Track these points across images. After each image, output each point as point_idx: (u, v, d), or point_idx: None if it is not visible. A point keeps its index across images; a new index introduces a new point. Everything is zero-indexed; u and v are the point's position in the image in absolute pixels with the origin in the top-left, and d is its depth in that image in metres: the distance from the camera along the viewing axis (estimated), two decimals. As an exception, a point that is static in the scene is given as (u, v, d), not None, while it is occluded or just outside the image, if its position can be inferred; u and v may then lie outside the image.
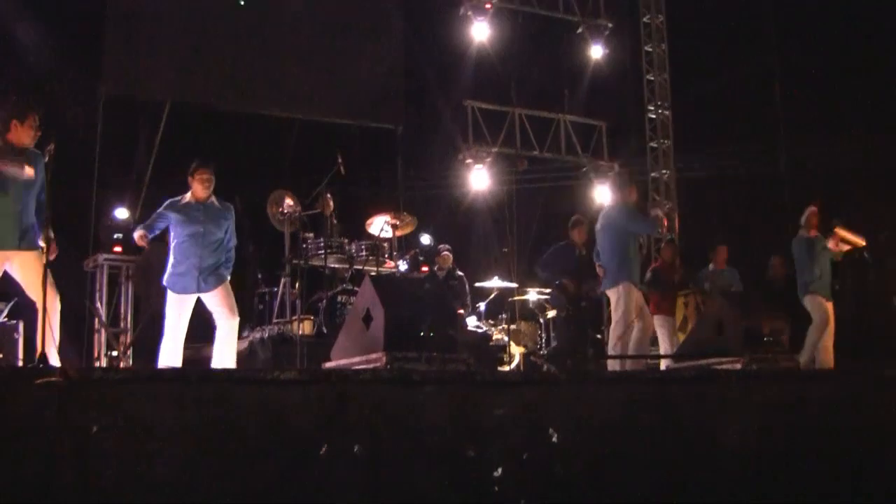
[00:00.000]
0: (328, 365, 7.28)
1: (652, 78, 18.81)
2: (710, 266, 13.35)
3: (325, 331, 11.02)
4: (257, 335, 11.09)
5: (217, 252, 8.64)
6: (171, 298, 8.55)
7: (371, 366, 6.54)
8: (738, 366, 8.08)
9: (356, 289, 10.48)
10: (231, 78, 15.13)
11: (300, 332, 10.63)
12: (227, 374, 5.10)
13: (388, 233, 11.74)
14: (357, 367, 6.63)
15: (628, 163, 18.69)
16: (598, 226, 10.76)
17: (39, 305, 7.44)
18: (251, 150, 15.76)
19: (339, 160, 11.61)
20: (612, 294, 10.28)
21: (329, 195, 12.02)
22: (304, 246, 11.38)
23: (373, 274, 10.97)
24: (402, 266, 11.84)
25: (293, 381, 5.10)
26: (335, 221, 12.17)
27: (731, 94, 18.88)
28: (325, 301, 11.28)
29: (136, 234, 8.47)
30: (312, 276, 11.51)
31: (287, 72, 15.64)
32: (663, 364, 10.40)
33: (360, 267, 11.61)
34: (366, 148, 16.69)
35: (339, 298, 11.42)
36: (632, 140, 18.93)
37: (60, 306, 7.36)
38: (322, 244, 11.41)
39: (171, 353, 8.41)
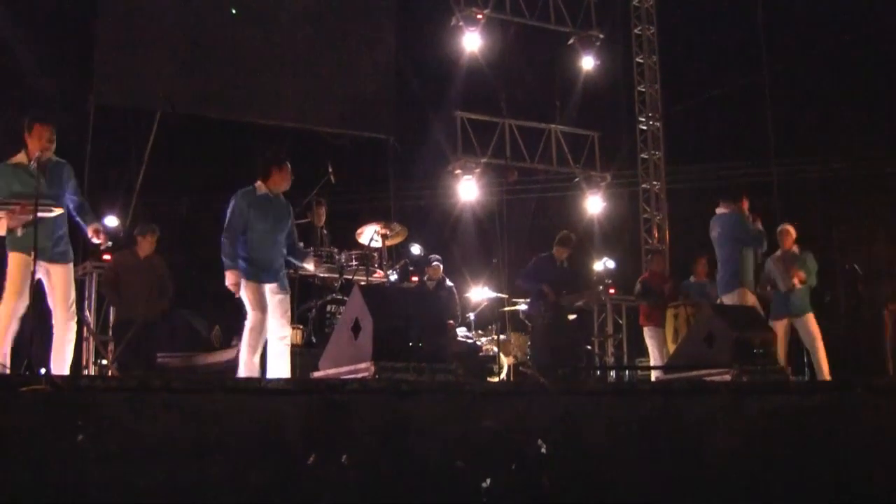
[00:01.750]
0: (317, 374, 7.25)
1: (643, 89, 18.85)
2: (692, 278, 13.35)
3: (314, 340, 11.00)
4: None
5: (280, 250, 8.63)
6: (250, 288, 8.42)
7: (359, 375, 6.51)
8: (728, 377, 8.06)
9: (345, 298, 10.44)
10: (222, 87, 15.12)
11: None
12: (214, 384, 5.07)
13: (377, 243, 11.71)
14: (345, 377, 6.60)
15: (619, 174, 18.74)
16: (713, 233, 10.96)
17: (60, 318, 7.47)
18: (242, 159, 15.72)
19: (330, 170, 11.59)
20: (728, 299, 10.69)
21: (323, 207, 12.01)
22: (294, 255, 11.33)
23: (362, 284, 10.95)
24: (392, 276, 11.82)
25: (281, 391, 5.08)
26: (325, 231, 12.15)
27: (722, 105, 18.94)
28: (314, 310, 11.26)
29: (230, 282, 8.32)
30: (302, 285, 11.47)
31: (279, 81, 15.64)
32: (654, 375, 10.40)
33: (350, 277, 11.59)
34: (357, 158, 16.68)
35: (328, 308, 11.40)
36: (623, 151, 18.96)
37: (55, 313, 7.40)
38: (312, 253, 11.38)
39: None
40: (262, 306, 8.38)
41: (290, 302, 8.69)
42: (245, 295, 8.40)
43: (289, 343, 8.58)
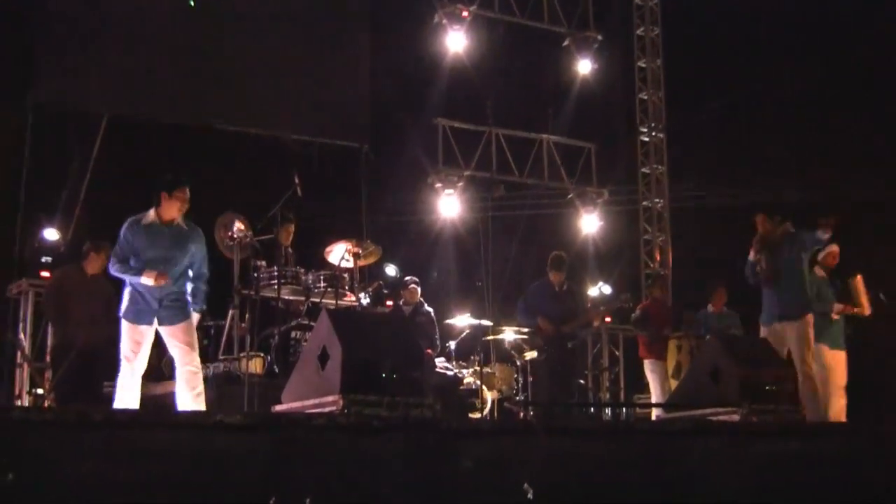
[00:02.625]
0: (278, 408, 7.23)
1: (645, 97, 18.90)
2: (709, 308, 13.35)
3: (276, 370, 10.96)
4: (205, 372, 10.99)
5: (180, 281, 8.75)
6: (127, 329, 8.59)
7: (326, 410, 6.49)
8: (736, 417, 8.06)
9: (312, 324, 10.42)
10: (177, 88, 15.04)
11: (248, 371, 10.54)
12: (164, 418, 5.04)
13: (348, 262, 11.68)
14: (310, 412, 6.59)
15: (617, 190, 18.79)
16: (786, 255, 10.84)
17: None
18: (198, 169, 15.67)
19: (297, 181, 11.57)
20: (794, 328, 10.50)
21: (291, 224, 12.00)
22: (256, 275, 11.30)
23: (331, 308, 10.91)
24: (364, 300, 11.79)
25: (239, 426, 5.06)
26: (290, 249, 12.11)
27: (732, 115, 18.99)
28: (277, 337, 11.22)
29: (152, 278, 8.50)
30: (264, 308, 11.43)
31: (241, 83, 15.58)
32: (654, 414, 10.40)
33: (317, 300, 11.56)
34: (326, 168, 16.67)
35: (292, 334, 11.37)
36: (622, 164, 19.00)
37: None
38: (275, 274, 11.35)
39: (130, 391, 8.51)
40: (135, 352, 8.58)
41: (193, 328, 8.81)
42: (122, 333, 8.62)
43: (196, 370, 8.68)
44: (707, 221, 19.28)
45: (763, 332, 10.52)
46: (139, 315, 8.58)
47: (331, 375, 6.72)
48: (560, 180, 17.80)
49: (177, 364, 8.66)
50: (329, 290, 11.50)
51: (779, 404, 8.39)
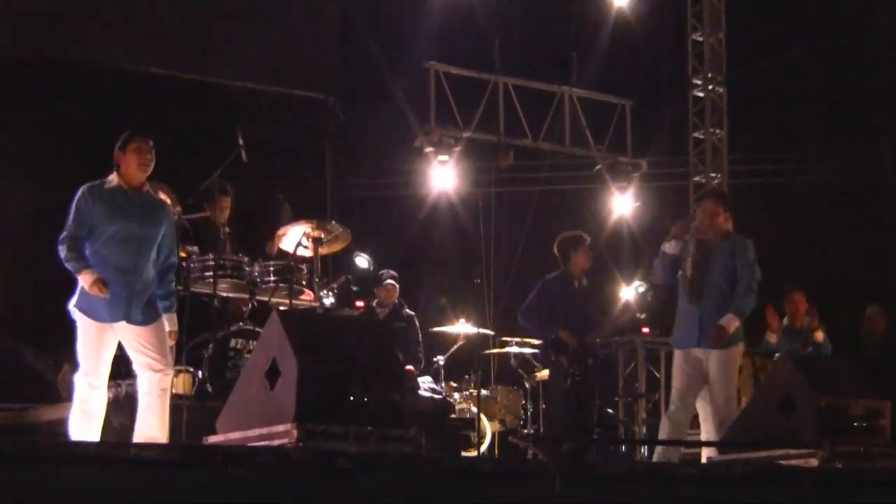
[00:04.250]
0: (212, 439, 7.22)
1: (700, 38, 18.87)
2: (785, 321, 13.36)
3: (209, 389, 10.99)
4: (109, 393, 10.97)
5: (150, 268, 8.68)
6: (87, 327, 8.52)
7: (276, 442, 6.49)
8: (814, 461, 8.07)
9: (258, 330, 10.41)
10: (92, 21, 15.08)
11: (173, 391, 10.55)
12: (60, 449, 5.03)
13: (307, 250, 11.69)
14: (255, 444, 6.58)
15: (660, 161, 18.78)
16: None
17: None
18: (108, 123, 15.64)
19: (240, 142, 11.59)
20: None
21: (227, 196, 11.99)
22: (185, 265, 11.31)
23: (283, 309, 10.91)
24: (327, 299, 11.80)
25: (160, 462, 5.05)
26: (229, 230, 12.11)
27: (815, 66, 18.95)
28: (211, 346, 11.23)
29: (86, 279, 8.40)
30: (195, 309, 11.43)
31: (164, 13, 15.60)
32: (704, 454, 10.42)
33: (266, 298, 11.57)
34: (280, 126, 16.67)
35: (232, 343, 11.40)
36: (667, 127, 19.01)
37: None
38: (211, 263, 11.35)
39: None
40: (98, 360, 8.52)
41: (163, 331, 8.71)
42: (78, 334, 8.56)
43: (166, 388, 8.60)
44: (779, 204, 19.26)
45: (676, 358, 10.47)
46: (105, 309, 8.48)
47: (282, 397, 6.72)
48: (586, 147, 17.79)
49: (143, 378, 8.57)
50: (281, 285, 11.51)
51: (871, 445, 8.40)
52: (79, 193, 8.58)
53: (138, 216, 8.62)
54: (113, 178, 8.63)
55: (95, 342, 8.46)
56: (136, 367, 8.58)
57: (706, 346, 10.08)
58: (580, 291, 12.23)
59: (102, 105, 15.61)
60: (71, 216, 8.53)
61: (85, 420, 8.46)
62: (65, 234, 8.51)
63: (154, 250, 8.69)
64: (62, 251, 8.45)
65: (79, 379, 8.54)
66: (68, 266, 8.45)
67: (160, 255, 8.76)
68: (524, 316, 12.31)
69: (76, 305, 8.53)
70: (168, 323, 8.73)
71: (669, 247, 10.39)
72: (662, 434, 10.39)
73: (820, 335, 12.76)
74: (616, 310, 13.14)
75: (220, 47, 15.96)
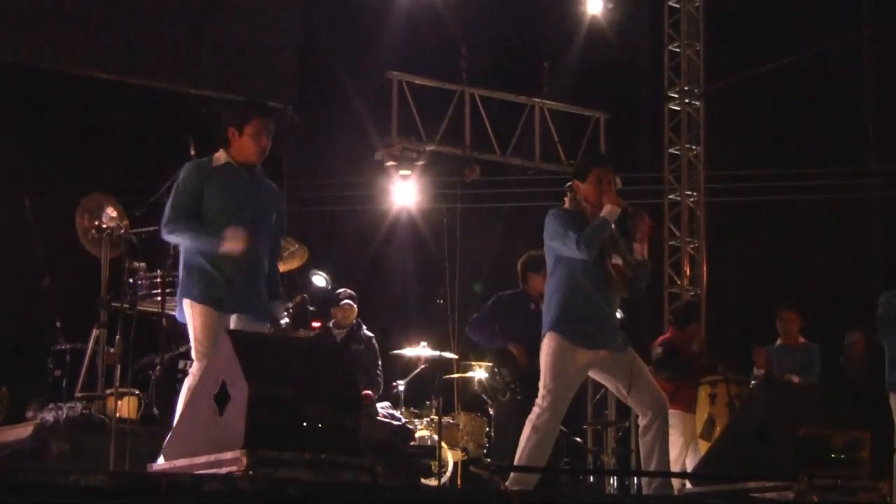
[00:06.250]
0: (157, 467, 7.19)
1: (678, 49, 18.93)
2: (778, 341, 13.37)
3: (156, 413, 10.94)
4: (49, 416, 10.94)
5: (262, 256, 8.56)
6: (201, 312, 8.37)
7: (224, 470, 6.46)
8: (791, 494, 8.09)
9: (208, 351, 10.40)
10: (43, 25, 15.07)
11: (118, 415, 10.52)
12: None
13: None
14: (202, 472, 6.55)
15: (634, 178, 18.81)
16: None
17: None
18: (57, 134, 15.61)
19: (192, 153, 11.56)
20: None
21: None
22: (132, 281, 11.28)
23: (234, 329, 10.88)
24: (282, 319, 11.78)
25: (102, 491, 5.02)
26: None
27: (796, 78, 18.97)
28: (158, 368, 11.19)
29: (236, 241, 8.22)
30: (142, 328, 11.39)
31: (118, 18, 15.59)
32: (676, 486, 10.43)
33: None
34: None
35: (180, 365, 11.37)
36: (642, 142, 19.04)
37: None
38: (158, 280, 11.31)
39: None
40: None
41: None
42: (192, 324, 8.35)
43: None
44: (757, 222, 19.27)
45: None
46: (221, 299, 8.34)
47: (232, 423, 6.69)
48: (557, 161, 17.84)
49: None
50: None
51: (850, 478, 8.42)
52: None
53: None
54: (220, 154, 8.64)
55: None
56: None
57: None
58: (536, 315, 12.11)
59: (47, 109, 15.59)
60: None
61: None
62: None
63: None
64: None
65: None
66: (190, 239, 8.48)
67: None
68: (473, 328, 12.28)
69: None
70: None
71: None
72: None
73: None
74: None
75: (173, 53, 15.93)
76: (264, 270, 8.59)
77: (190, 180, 8.44)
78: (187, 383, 8.27)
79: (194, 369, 8.26)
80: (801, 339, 13.13)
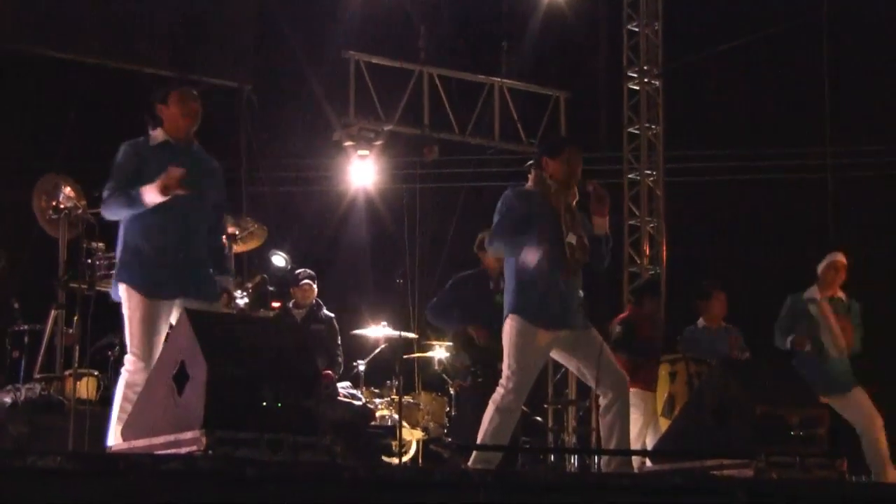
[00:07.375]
0: (116, 447, 7.17)
1: (636, 28, 18.93)
2: (700, 321, 13.38)
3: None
4: (6, 398, 10.91)
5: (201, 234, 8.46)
6: (139, 304, 8.22)
7: (183, 451, 6.45)
8: (749, 472, 8.11)
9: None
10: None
11: (76, 396, 10.48)
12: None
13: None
14: (160, 453, 6.53)
15: (594, 157, 18.81)
16: None
17: None
18: (10, 115, 15.53)
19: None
20: None
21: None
22: (90, 262, 11.23)
23: (193, 309, 10.84)
24: (241, 299, 11.76)
25: (60, 472, 4.99)
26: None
27: (754, 57, 19.02)
28: (117, 348, 11.15)
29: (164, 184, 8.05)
30: (101, 308, 11.32)
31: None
32: (636, 464, 10.45)
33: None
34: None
35: (138, 346, 11.31)
36: (601, 121, 19.05)
37: None
38: (117, 261, 11.28)
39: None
40: (150, 344, 8.22)
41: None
42: (127, 314, 8.23)
43: None
44: (716, 203, 19.30)
45: None
46: (157, 283, 8.24)
47: (190, 403, 6.67)
48: (517, 141, 17.83)
49: None
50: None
51: (808, 455, 8.44)
52: None
53: None
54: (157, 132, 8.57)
55: None
56: None
57: None
58: (496, 294, 12.11)
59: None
60: None
61: None
62: None
63: None
64: None
65: None
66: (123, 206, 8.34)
67: None
68: (433, 312, 12.24)
69: None
70: None
71: None
72: None
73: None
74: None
75: (129, 32, 15.86)
76: (206, 247, 8.49)
77: (127, 159, 8.33)
78: (123, 377, 8.13)
79: (128, 364, 8.14)
80: (724, 323, 13.16)
